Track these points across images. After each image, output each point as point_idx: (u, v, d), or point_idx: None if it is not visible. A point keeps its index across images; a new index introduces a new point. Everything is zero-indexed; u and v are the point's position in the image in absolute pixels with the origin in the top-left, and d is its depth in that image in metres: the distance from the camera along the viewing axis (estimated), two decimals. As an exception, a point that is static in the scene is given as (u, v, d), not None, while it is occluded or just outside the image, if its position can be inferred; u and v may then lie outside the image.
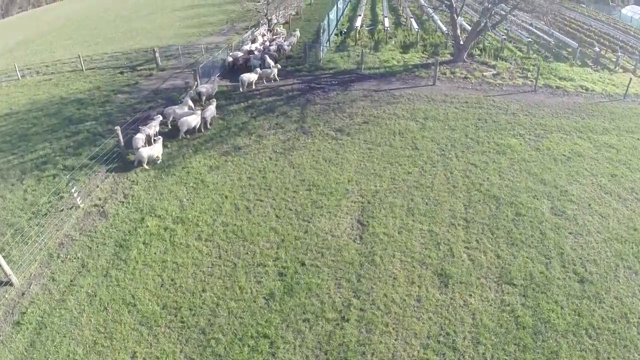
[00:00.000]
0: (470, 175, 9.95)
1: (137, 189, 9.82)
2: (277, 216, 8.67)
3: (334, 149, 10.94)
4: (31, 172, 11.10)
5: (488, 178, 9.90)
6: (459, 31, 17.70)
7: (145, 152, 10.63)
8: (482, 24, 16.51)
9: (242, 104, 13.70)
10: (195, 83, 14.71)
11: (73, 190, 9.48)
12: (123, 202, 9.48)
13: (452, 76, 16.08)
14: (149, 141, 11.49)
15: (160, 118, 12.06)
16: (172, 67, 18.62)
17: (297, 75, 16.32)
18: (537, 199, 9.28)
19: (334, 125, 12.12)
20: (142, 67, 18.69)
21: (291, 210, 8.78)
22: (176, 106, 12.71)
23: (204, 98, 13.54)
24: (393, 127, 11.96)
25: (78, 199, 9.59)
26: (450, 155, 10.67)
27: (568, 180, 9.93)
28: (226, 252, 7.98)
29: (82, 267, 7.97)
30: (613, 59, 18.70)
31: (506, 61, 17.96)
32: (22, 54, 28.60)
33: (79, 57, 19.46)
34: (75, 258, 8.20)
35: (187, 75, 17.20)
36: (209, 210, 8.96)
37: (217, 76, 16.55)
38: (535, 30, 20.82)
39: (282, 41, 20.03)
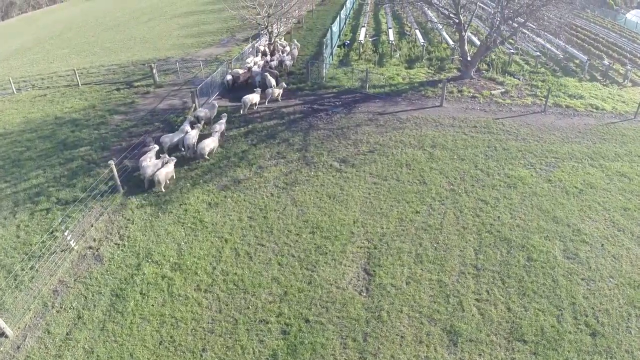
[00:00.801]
0: (480, 214, 9.54)
1: (133, 229, 9.44)
2: (279, 264, 8.27)
3: (339, 183, 10.49)
4: (24, 204, 10.73)
5: (499, 217, 9.51)
6: (466, 47, 17.27)
7: (150, 169, 10.38)
8: (491, 40, 16.06)
9: (242, 128, 13.24)
10: (194, 105, 14.35)
11: (66, 234, 9.12)
12: (119, 244, 9.08)
13: (460, 95, 15.61)
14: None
15: (156, 148, 11.54)
16: (170, 83, 18.16)
17: (299, 94, 15.82)
18: (550, 240, 8.90)
19: (338, 154, 11.67)
20: (139, 84, 18.23)
21: (294, 256, 8.37)
22: (172, 134, 12.18)
23: (202, 122, 13.01)
24: (400, 157, 11.49)
25: (71, 241, 9.27)
26: (459, 191, 10.24)
27: (580, 216, 9.53)
28: (227, 305, 7.59)
29: (78, 318, 7.60)
30: (621, 72, 18.25)
31: (514, 77, 17.50)
32: (19, 64, 28.14)
33: (75, 71, 19.07)
34: (70, 308, 7.83)
35: (185, 93, 16.70)
36: (208, 255, 8.57)
37: (217, 95, 16.06)
38: (543, 42, 20.34)
39: (284, 55, 19.53)
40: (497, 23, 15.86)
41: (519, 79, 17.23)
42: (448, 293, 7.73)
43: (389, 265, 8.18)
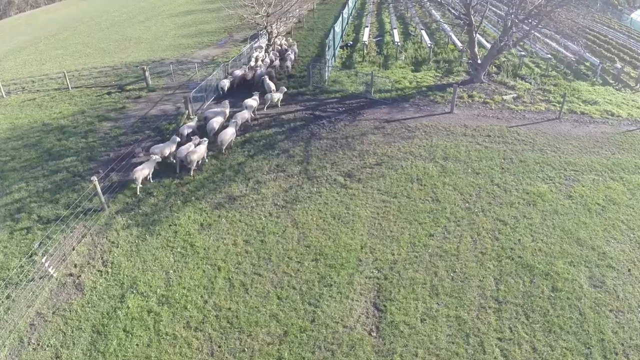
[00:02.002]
0: (499, 236, 8.66)
1: (117, 254, 8.56)
2: (278, 297, 7.38)
3: (344, 201, 9.58)
4: (4, 221, 9.86)
5: (519, 240, 8.63)
6: (476, 49, 16.38)
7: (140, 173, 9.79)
8: (503, 43, 15.15)
9: (239, 137, 12.30)
10: (187, 112, 13.47)
11: (44, 260, 8.31)
12: (101, 271, 8.21)
13: (471, 101, 14.70)
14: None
15: (158, 159, 10.55)
16: (164, 86, 17.21)
17: (300, 100, 14.87)
18: (574, 265, 8.03)
19: (343, 167, 10.75)
20: (131, 87, 17.31)
21: (295, 289, 7.49)
22: (163, 144, 11.25)
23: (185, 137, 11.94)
24: (410, 170, 10.58)
25: (50, 268, 8.45)
26: (476, 209, 9.36)
27: (605, 237, 8.66)
28: (219, 347, 6.71)
29: (56, 358, 6.83)
30: (633, 75, 17.34)
31: (525, 80, 16.60)
32: (12, 65, 27.21)
33: (65, 75, 18.23)
34: (48, 345, 6.98)
35: (178, 98, 15.66)
36: (199, 286, 7.70)
37: (212, 100, 15.02)
38: (555, 46, 19.38)
39: (289, 54, 18.54)
40: (510, 25, 15.00)
41: (530, 83, 16.34)
42: (467, 332, 6.87)
43: (402, 300, 7.33)
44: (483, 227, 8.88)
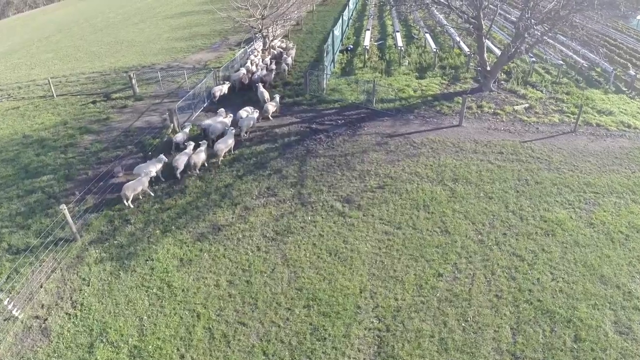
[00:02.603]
0: (516, 275, 7.65)
1: (88, 293, 7.60)
2: (264, 353, 6.35)
3: (341, 232, 8.54)
4: (-30, 250, 9.11)
5: (538, 279, 7.61)
6: (486, 55, 15.37)
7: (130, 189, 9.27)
8: (515, 49, 14.14)
9: (227, 155, 11.27)
10: (171, 125, 12.43)
11: (6, 302, 7.38)
12: (70, 314, 7.23)
13: (480, 112, 13.66)
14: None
15: (153, 173, 9.81)
16: (152, 95, 16.22)
17: (296, 110, 13.81)
18: (598, 309, 7.02)
19: (341, 191, 9.70)
20: (117, 95, 16.32)
21: (284, 342, 6.48)
22: (147, 163, 10.30)
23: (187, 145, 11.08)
24: (416, 195, 9.54)
25: (14, 310, 7.57)
26: (489, 242, 8.34)
27: (630, 272, 7.66)
28: (192, 417, 5.96)
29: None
30: None
31: (536, 88, 15.53)
32: (1, 69, 26.44)
33: (49, 82, 17.32)
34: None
35: (165, 108, 14.35)
36: (175, 336, 6.69)
37: (202, 110, 14.04)
38: (565, 50, 18.29)
39: (286, 57, 17.66)
40: (523, 29, 13.98)
41: (541, 91, 15.32)
42: (484, 397, 6.04)
43: (406, 356, 6.26)
44: (498, 264, 7.90)
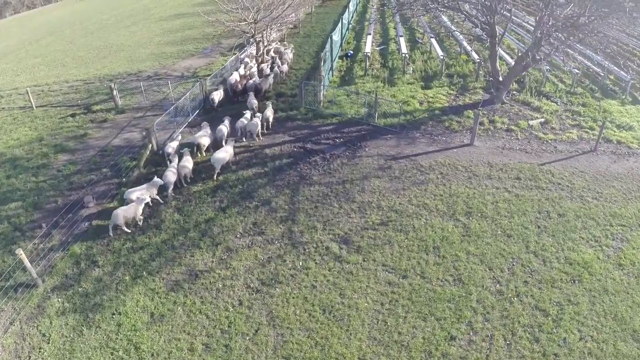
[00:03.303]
0: (540, 335, 6.38)
1: (47, 353, 6.41)
2: None
3: (338, 283, 7.32)
4: None
5: (565, 339, 6.36)
6: (498, 64, 14.17)
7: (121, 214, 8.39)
8: (531, 57, 12.91)
9: (210, 181, 10.02)
10: (150, 145, 11.14)
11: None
12: (22, 382, 6.34)
13: (493, 128, 12.43)
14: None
15: (147, 199, 8.81)
16: (135, 107, 15.00)
17: (289, 127, 12.52)
18: None
19: (338, 228, 8.45)
20: (98, 107, 15.08)
21: None
22: (139, 188, 9.11)
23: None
24: (424, 233, 8.29)
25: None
26: (509, 293, 7.11)
27: None
28: None
29: None
30: None
31: (550, 99, 14.29)
32: (-14, 75, 25.61)
33: (28, 92, 15.98)
34: None
35: (148, 122, 13.17)
36: (134, 422, 5.87)
37: (193, 118, 12.79)
38: (585, 61, 17.01)
39: (280, 62, 16.58)
40: (539, 37, 12.77)
41: (556, 103, 14.10)
42: None
43: None
44: (519, 322, 6.68)
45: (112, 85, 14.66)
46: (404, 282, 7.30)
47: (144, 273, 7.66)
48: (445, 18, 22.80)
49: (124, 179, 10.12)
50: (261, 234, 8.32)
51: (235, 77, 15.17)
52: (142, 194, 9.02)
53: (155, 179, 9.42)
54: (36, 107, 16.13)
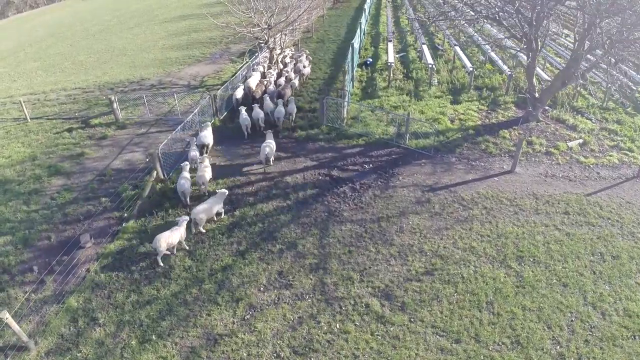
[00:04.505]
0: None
1: None
2: None
3: (383, 352, 6.08)
4: None
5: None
6: (535, 79, 12.98)
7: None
8: (572, 73, 11.64)
9: (225, 216, 8.81)
10: (154, 172, 9.81)
11: None
12: None
13: (531, 150, 11.20)
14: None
15: (186, 219, 7.89)
16: (138, 121, 13.69)
17: (310, 149, 11.29)
18: None
19: (377, 279, 7.25)
20: (97, 121, 13.80)
21: None
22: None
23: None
24: (474, 285, 7.13)
25: None
26: (570, 356, 5.95)
27: None
28: None
29: None
30: None
31: (584, 116, 13.10)
32: (-18, 80, 24.39)
33: (22, 104, 14.62)
34: None
35: (152, 140, 12.11)
36: None
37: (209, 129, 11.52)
38: (611, 71, 15.82)
39: (300, 66, 15.29)
40: (583, 51, 11.57)
41: (591, 120, 12.93)
42: None
43: None
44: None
45: (112, 97, 13.35)
46: (458, 348, 6.12)
47: (153, 337, 6.43)
48: (468, 27, 21.58)
49: (125, 214, 8.83)
50: (289, 287, 7.11)
51: (253, 80, 14.18)
52: (209, 207, 8.27)
53: (183, 217, 8.04)
54: (31, 119, 14.86)
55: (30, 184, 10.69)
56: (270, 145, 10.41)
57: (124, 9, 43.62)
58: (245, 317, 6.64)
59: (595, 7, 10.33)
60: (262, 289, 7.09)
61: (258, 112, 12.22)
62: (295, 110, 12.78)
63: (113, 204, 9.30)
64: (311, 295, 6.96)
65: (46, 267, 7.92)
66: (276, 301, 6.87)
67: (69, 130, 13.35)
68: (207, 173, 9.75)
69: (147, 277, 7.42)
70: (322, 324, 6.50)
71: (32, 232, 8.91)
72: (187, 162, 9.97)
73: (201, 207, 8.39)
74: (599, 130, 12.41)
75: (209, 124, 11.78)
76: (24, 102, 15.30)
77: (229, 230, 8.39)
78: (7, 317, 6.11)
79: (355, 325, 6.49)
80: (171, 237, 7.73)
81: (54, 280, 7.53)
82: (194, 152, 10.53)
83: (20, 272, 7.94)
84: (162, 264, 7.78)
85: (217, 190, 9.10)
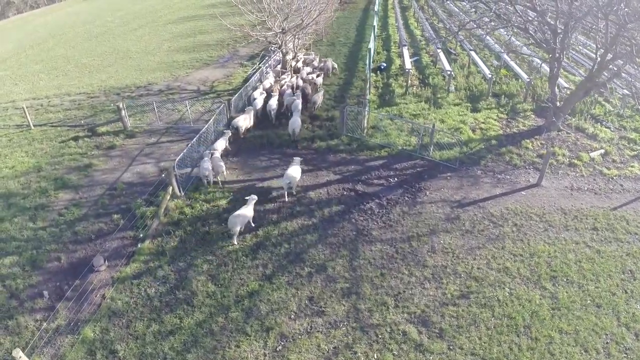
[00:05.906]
0: None
1: None
2: None
3: (426, 386, 5.80)
4: None
5: None
6: (557, 88, 12.59)
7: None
8: (595, 81, 11.25)
9: (248, 235, 8.33)
10: (170, 188, 9.26)
11: None
12: None
13: (555, 162, 10.79)
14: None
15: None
16: (147, 129, 13.22)
17: (332, 161, 10.82)
18: None
19: (413, 304, 6.84)
20: (104, 129, 13.29)
21: None
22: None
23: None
24: (511, 308, 6.73)
25: None
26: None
27: None
28: None
29: None
30: None
31: (603, 124, 12.75)
32: (-17, 84, 23.76)
33: (24, 110, 14.07)
34: None
35: (164, 150, 11.67)
36: None
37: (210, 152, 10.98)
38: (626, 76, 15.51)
39: (315, 73, 14.88)
40: (604, 62, 11.20)
41: (609, 129, 12.61)
42: None
43: None
44: None
45: (120, 105, 12.85)
46: (504, 381, 5.83)
47: (174, 371, 6.16)
48: (480, 30, 21.16)
49: (140, 233, 8.31)
50: (321, 315, 6.67)
51: (269, 80, 14.15)
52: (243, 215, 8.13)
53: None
54: (34, 126, 14.32)
55: (36, 197, 10.19)
56: (293, 175, 9.27)
57: (125, 10, 42.91)
58: (277, 349, 6.20)
59: (623, 17, 10.01)
60: (292, 316, 6.65)
61: (271, 104, 12.75)
62: (320, 100, 13.38)
63: (127, 222, 8.81)
64: (345, 323, 6.53)
65: (57, 292, 7.47)
66: (309, 330, 6.44)
67: (75, 138, 12.87)
68: (223, 167, 9.97)
69: (168, 304, 6.97)
70: (359, 354, 6.08)
71: (40, 252, 8.41)
72: (209, 150, 10.36)
73: (237, 217, 8.23)
74: (619, 140, 12.09)
75: (251, 108, 12.48)
76: (26, 107, 14.77)
77: (253, 251, 7.94)
78: (20, 355, 5.66)
79: (393, 354, 6.08)
80: (244, 216, 8.17)
81: (67, 307, 7.08)
82: (207, 164, 9.95)
83: (29, 297, 7.47)
84: (235, 243, 8.14)
85: (245, 198, 8.86)
